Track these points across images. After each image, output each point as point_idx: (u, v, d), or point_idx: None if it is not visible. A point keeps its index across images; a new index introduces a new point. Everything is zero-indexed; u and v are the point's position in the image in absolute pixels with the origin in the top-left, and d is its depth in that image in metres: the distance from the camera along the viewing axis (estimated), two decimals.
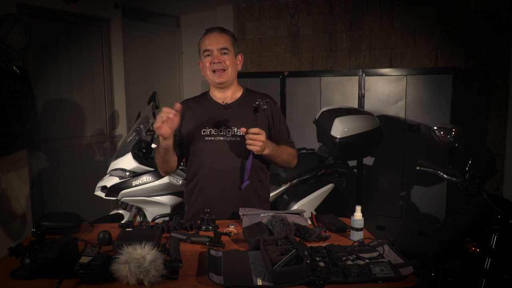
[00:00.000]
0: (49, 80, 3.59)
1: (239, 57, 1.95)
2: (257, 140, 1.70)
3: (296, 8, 4.38)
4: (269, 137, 1.92)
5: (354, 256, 1.36)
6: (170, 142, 1.74)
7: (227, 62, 1.85)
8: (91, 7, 3.84)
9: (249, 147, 1.72)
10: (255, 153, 1.75)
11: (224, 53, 1.85)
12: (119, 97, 4.25)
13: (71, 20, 3.74)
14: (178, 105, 1.66)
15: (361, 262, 1.31)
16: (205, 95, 1.99)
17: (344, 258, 1.33)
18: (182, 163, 2.05)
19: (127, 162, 2.68)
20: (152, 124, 2.75)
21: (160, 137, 1.71)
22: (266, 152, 1.78)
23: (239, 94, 1.95)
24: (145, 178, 2.65)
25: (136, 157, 2.69)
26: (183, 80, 5.15)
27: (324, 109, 2.96)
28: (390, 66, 3.94)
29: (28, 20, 3.19)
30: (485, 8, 3.48)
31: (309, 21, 4.33)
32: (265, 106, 1.70)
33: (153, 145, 2.74)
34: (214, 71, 1.85)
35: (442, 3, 3.69)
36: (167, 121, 1.62)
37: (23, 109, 3.12)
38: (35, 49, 3.36)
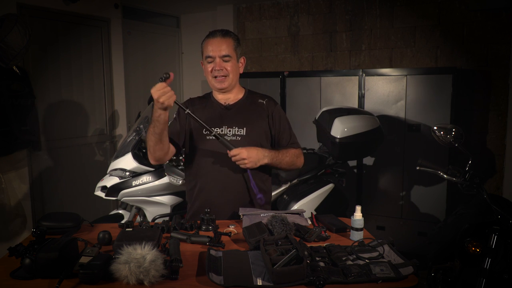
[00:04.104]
0: (49, 80, 3.59)
1: (242, 60, 1.95)
2: (241, 159, 1.73)
3: (296, 8, 4.38)
4: (270, 138, 1.94)
5: (354, 256, 1.36)
6: (167, 112, 1.70)
7: (229, 69, 1.87)
8: (91, 7, 3.84)
9: (243, 167, 1.76)
10: (250, 168, 1.78)
11: (226, 60, 1.86)
12: (119, 97, 4.25)
13: (71, 20, 3.74)
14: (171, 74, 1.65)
15: (361, 262, 1.31)
16: (209, 96, 2.01)
17: (344, 258, 1.33)
18: (181, 163, 2.05)
19: (127, 162, 2.68)
20: None
21: (160, 109, 1.66)
22: (264, 162, 1.80)
23: (240, 95, 1.97)
24: (145, 178, 2.65)
25: (136, 157, 2.69)
26: (183, 80, 5.15)
27: (324, 109, 2.96)
28: (390, 66, 3.94)
29: (28, 20, 3.19)
30: (485, 8, 3.48)
31: (309, 21, 4.33)
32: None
33: None
34: (215, 77, 1.87)
35: (442, 3, 3.69)
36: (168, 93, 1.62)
37: (23, 109, 3.12)
38: (35, 49, 3.36)
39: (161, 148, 1.80)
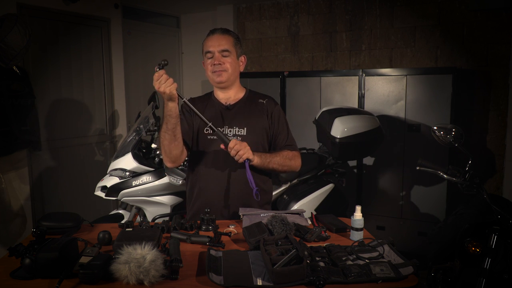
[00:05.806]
0: (49, 80, 3.58)
1: (242, 58, 1.95)
2: (240, 150, 1.69)
3: (296, 8, 4.38)
4: (270, 138, 1.93)
5: (354, 256, 1.36)
6: (176, 104, 1.68)
7: (227, 64, 1.87)
8: (91, 7, 3.84)
9: (241, 160, 1.71)
10: (250, 159, 1.74)
11: (225, 55, 1.87)
12: (119, 97, 4.25)
13: (71, 20, 3.74)
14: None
15: (361, 262, 1.31)
16: (209, 95, 2.01)
17: (344, 258, 1.33)
18: (183, 163, 2.05)
19: (127, 162, 2.68)
20: (152, 124, 2.75)
21: (168, 101, 1.65)
22: (255, 160, 1.77)
23: (241, 95, 1.97)
24: (145, 178, 2.65)
25: (136, 157, 2.69)
26: (183, 80, 5.15)
27: (324, 109, 2.96)
28: (390, 66, 3.94)
29: (28, 20, 3.18)
30: (485, 8, 3.48)
31: (309, 21, 4.33)
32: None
33: (153, 145, 2.75)
34: (214, 72, 1.87)
35: (442, 3, 3.69)
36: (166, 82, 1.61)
37: (23, 109, 3.12)
38: (35, 49, 3.36)
39: (176, 146, 1.78)
